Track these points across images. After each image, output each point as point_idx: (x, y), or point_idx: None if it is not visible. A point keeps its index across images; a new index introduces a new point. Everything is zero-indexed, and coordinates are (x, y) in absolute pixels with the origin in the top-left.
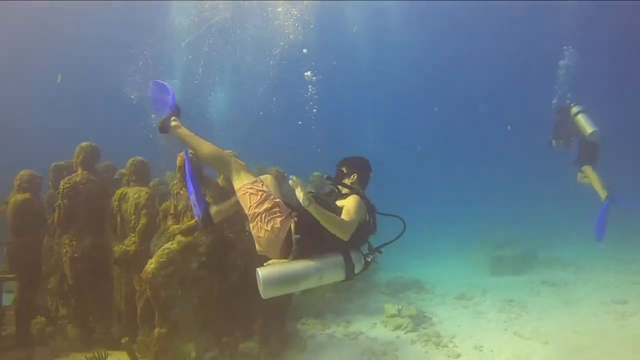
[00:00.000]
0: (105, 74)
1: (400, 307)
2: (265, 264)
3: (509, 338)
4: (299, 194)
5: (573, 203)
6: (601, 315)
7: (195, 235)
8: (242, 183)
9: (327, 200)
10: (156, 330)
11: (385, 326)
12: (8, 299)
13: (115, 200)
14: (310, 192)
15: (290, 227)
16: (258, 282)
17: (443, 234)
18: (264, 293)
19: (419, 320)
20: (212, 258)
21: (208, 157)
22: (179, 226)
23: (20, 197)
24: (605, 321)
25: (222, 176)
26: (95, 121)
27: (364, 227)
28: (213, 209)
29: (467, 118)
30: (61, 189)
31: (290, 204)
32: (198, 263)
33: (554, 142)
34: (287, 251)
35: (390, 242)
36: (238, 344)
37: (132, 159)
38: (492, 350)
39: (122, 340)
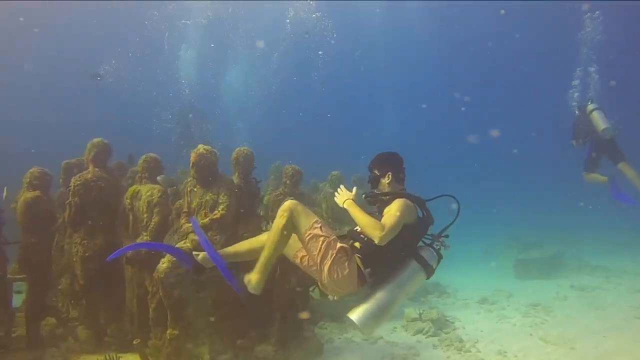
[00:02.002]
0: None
1: (421, 311)
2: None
3: (534, 343)
4: (339, 196)
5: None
6: (631, 320)
7: (209, 234)
8: (304, 229)
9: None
10: (169, 331)
11: (406, 330)
12: (17, 300)
13: (127, 198)
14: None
15: (357, 263)
16: (353, 325)
17: (466, 236)
18: (366, 333)
19: (441, 325)
20: None
21: (275, 244)
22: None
23: (30, 195)
24: (635, 326)
25: (237, 173)
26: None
27: (420, 222)
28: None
29: (498, 117)
30: (72, 187)
31: (344, 235)
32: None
33: (574, 142)
34: (361, 282)
35: (451, 224)
36: (253, 347)
37: (144, 155)
38: (516, 356)
39: (134, 342)
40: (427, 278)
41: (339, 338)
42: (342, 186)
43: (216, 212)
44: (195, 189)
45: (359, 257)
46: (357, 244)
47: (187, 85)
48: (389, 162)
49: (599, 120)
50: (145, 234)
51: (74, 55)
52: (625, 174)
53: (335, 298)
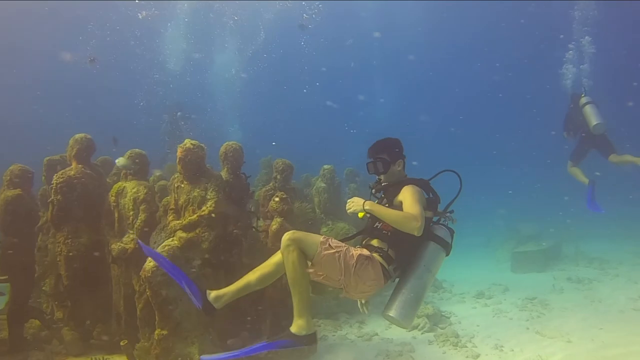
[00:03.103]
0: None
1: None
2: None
3: (531, 337)
4: (353, 204)
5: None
6: (629, 312)
7: (197, 231)
8: (314, 252)
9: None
10: (157, 332)
11: None
12: (1, 302)
13: (112, 195)
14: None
15: (379, 261)
16: (392, 322)
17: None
18: (408, 326)
19: (437, 320)
20: (216, 255)
21: (272, 272)
22: (180, 222)
23: (10, 193)
24: (632, 318)
25: (225, 169)
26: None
27: (429, 204)
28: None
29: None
30: (54, 184)
31: (355, 234)
32: (201, 260)
33: (565, 134)
34: (387, 278)
35: (455, 198)
36: (244, 344)
37: (130, 151)
38: (512, 350)
39: (121, 344)
40: (447, 255)
41: (333, 335)
42: (354, 197)
43: (204, 208)
44: (182, 185)
45: (379, 255)
46: (374, 242)
47: (173, 80)
48: (399, 148)
49: (592, 116)
50: (131, 232)
51: (57, 49)
52: (618, 163)
53: (363, 301)
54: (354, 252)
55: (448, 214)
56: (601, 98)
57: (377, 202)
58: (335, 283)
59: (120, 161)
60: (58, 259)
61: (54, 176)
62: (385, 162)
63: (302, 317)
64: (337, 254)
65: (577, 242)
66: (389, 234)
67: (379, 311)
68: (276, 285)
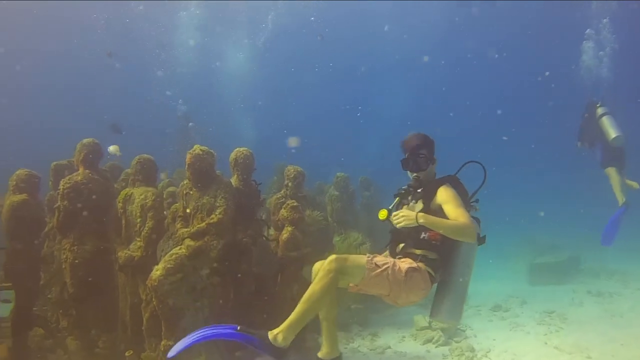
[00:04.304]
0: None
1: (431, 319)
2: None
3: (549, 352)
4: (404, 218)
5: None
6: None
7: (205, 239)
8: (360, 276)
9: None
10: (163, 342)
11: (415, 339)
12: (6, 310)
13: (119, 202)
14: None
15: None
16: (443, 322)
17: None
18: (458, 323)
19: (451, 333)
20: (225, 264)
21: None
22: (188, 229)
23: (16, 198)
24: None
25: (236, 176)
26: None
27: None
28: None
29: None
30: (61, 190)
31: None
32: (209, 270)
33: (579, 143)
34: (432, 283)
35: (479, 188)
36: (253, 359)
37: (138, 157)
38: None
39: (126, 354)
40: (479, 244)
41: (345, 348)
42: (404, 210)
43: (213, 216)
44: (191, 192)
45: (425, 263)
46: (417, 251)
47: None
48: (433, 144)
49: (610, 128)
50: (138, 239)
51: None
52: (609, 175)
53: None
54: (401, 266)
55: (473, 204)
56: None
57: (406, 206)
58: (379, 295)
59: (111, 149)
60: (63, 266)
61: (61, 181)
62: (427, 159)
63: (289, 331)
64: (384, 273)
65: (597, 254)
66: (438, 243)
67: (392, 322)
68: (286, 294)
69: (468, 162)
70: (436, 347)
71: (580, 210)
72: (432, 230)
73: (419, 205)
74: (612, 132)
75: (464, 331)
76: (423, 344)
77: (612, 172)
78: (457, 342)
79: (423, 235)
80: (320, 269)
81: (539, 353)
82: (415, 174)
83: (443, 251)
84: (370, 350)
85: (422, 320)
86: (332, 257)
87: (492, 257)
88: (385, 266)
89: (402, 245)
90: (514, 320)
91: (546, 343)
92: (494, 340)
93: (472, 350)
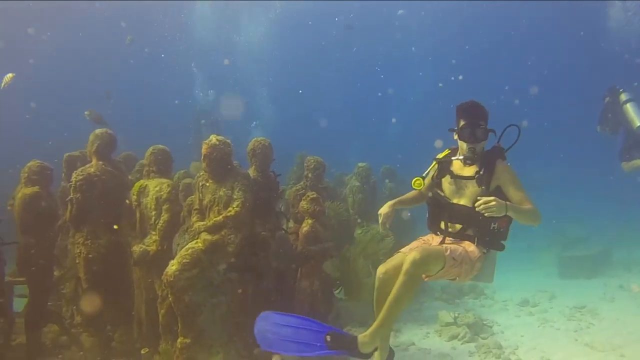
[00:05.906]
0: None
1: (456, 315)
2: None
3: (580, 350)
4: (494, 206)
5: None
6: None
7: (223, 233)
8: (438, 269)
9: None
10: (179, 340)
11: (440, 336)
12: (20, 305)
13: (134, 194)
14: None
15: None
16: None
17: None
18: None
19: (478, 329)
20: (243, 259)
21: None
22: (204, 223)
23: (28, 190)
24: None
25: (253, 167)
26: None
27: None
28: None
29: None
30: (73, 182)
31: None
32: (226, 264)
33: (598, 128)
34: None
35: (511, 146)
36: (271, 356)
37: (152, 147)
38: None
39: (142, 352)
40: None
41: None
42: (492, 198)
43: (230, 208)
44: (207, 184)
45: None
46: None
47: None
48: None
49: (635, 116)
50: (153, 232)
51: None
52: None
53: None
54: (471, 255)
55: None
56: None
57: (452, 179)
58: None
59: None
60: (77, 261)
61: (73, 173)
62: (486, 130)
63: (376, 337)
64: (462, 264)
65: (629, 247)
66: (502, 229)
67: (415, 318)
68: (306, 290)
69: (509, 126)
70: (462, 343)
71: (610, 177)
72: (502, 220)
73: (472, 185)
74: (638, 120)
75: (490, 327)
76: (448, 341)
77: (628, 165)
78: (483, 338)
79: (493, 225)
80: (402, 272)
81: (569, 351)
82: (471, 145)
83: (494, 232)
84: (394, 346)
85: (447, 316)
86: (413, 258)
87: (517, 250)
88: (460, 257)
89: (459, 226)
90: (543, 315)
91: (576, 340)
92: (522, 336)
93: (500, 347)
